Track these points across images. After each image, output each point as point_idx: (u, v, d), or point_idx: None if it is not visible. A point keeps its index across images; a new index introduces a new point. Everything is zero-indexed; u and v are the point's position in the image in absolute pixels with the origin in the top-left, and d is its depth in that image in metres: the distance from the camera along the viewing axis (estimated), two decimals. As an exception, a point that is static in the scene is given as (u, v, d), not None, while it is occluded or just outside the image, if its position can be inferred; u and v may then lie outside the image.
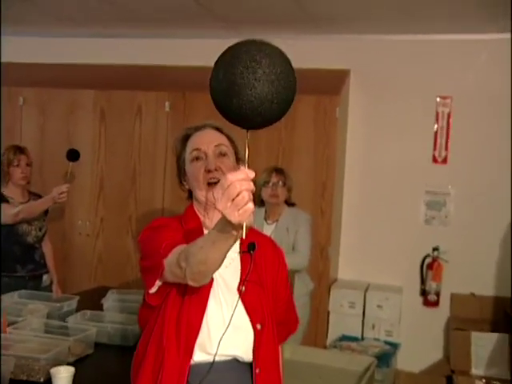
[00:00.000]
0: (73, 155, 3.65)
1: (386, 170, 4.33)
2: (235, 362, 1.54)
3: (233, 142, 1.65)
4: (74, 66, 4.57)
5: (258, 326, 1.54)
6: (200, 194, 1.60)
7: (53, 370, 1.89)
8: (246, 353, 1.54)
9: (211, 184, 1.56)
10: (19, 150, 3.48)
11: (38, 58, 4.62)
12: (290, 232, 3.39)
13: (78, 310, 2.81)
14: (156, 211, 4.24)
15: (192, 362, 1.49)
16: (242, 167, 1.12)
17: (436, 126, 4.21)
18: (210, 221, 1.62)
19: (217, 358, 1.48)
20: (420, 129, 4.24)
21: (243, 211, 1.08)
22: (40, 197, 3.51)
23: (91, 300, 3.07)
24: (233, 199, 1.08)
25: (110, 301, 2.89)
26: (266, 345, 1.55)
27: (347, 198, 4.39)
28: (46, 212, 3.56)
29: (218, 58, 1.17)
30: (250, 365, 1.55)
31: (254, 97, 1.11)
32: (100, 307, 2.87)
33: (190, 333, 1.48)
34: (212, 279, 1.48)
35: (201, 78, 4.23)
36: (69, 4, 4.02)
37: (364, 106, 4.35)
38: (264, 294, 1.60)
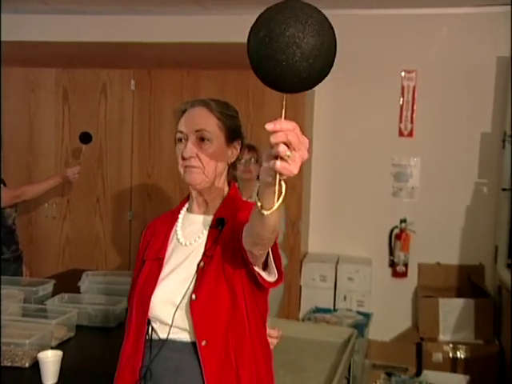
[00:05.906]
0: (85, 138, 3.83)
1: (353, 144, 4.38)
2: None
3: (228, 119, 1.56)
4: (34, 43, 4.41)
5: (193, 296, 1.46)
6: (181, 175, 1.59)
7: (41, 355, 1.86)
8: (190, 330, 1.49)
9: (188, 166, 1.54)
10: None
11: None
12: (263, 208, 3.40)
13: (53, 294, 2.77)
14: (124, 191, 4.18)
15: (147, 338, 1.51)
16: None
17: (401, 99, 4.27)
18: (192, 201, 1.62)
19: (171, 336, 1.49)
20: (386, 103, 4.29)
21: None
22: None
23: (65, 283, 3.02)
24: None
25: (86, 283, 2.85)
26: (207, 315, 1.46)
27: (316, 173, 4.42)
28: None
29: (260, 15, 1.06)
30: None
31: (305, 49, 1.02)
32: (75, 290, 2.83)
33: (143, 312, 1.52)
34: (163, 259, 1.54)
35: (166, 55, 4.24)
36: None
37: (330, 80, 4.34)
38: (226, 270, 1.48)
